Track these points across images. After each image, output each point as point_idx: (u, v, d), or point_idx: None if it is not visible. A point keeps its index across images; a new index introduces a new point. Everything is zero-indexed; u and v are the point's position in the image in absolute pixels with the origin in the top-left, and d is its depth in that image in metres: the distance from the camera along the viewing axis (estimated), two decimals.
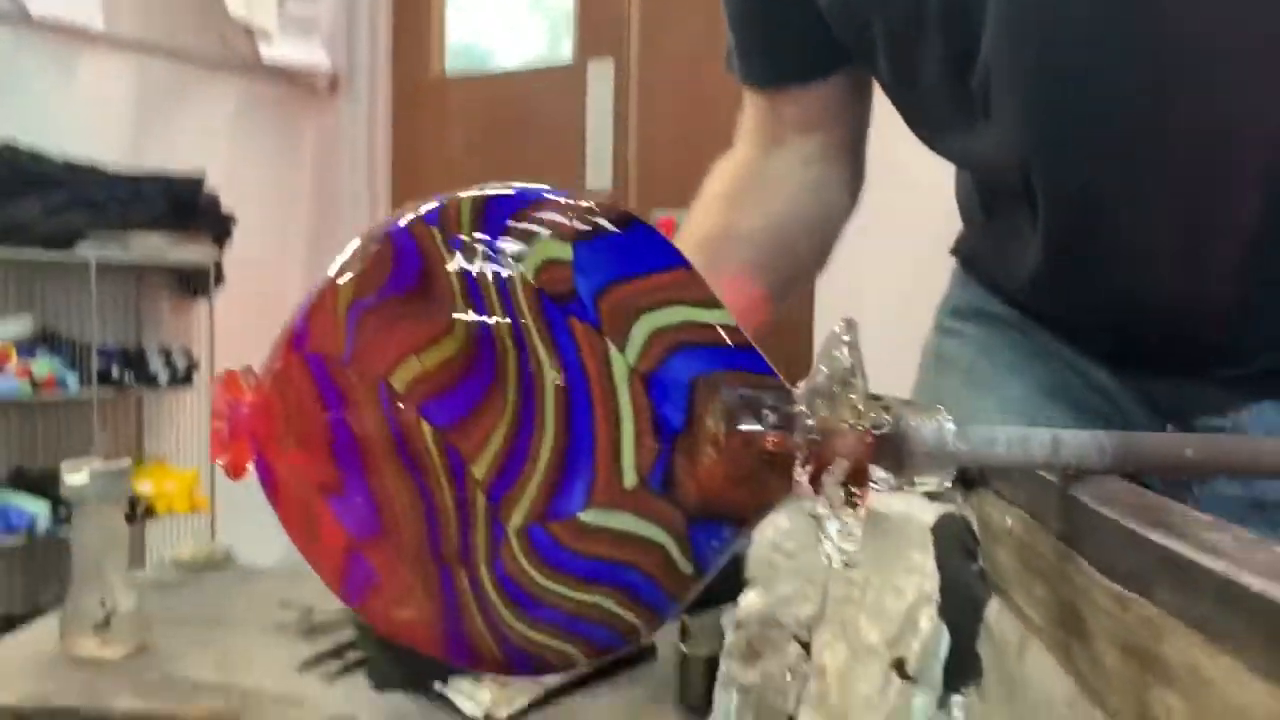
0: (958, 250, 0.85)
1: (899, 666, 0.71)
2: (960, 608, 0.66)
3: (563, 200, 0.45)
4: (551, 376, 0.42)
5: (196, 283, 2.60)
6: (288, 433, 0.46)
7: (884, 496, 0.75)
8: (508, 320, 0.43)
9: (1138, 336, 0.68)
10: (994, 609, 0.65)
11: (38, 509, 2.19)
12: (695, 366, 0.41)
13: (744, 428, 0.43)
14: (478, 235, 0.44)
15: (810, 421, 0.44)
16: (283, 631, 1.06)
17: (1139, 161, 0.60)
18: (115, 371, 2.36)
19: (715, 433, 0.41)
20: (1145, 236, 0.63)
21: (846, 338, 0.62)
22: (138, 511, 2.38)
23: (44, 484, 2.36)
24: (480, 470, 0.42)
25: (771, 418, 0.44)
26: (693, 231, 0.78)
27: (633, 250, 0.43)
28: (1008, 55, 0.62)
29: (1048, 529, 0.55)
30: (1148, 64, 0.57)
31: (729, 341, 0.42)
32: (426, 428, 0.43)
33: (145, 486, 2.42)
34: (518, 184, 0.46)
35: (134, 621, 1.00)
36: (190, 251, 2.55)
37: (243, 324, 2.74)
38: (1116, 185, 0.62)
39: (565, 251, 0.42)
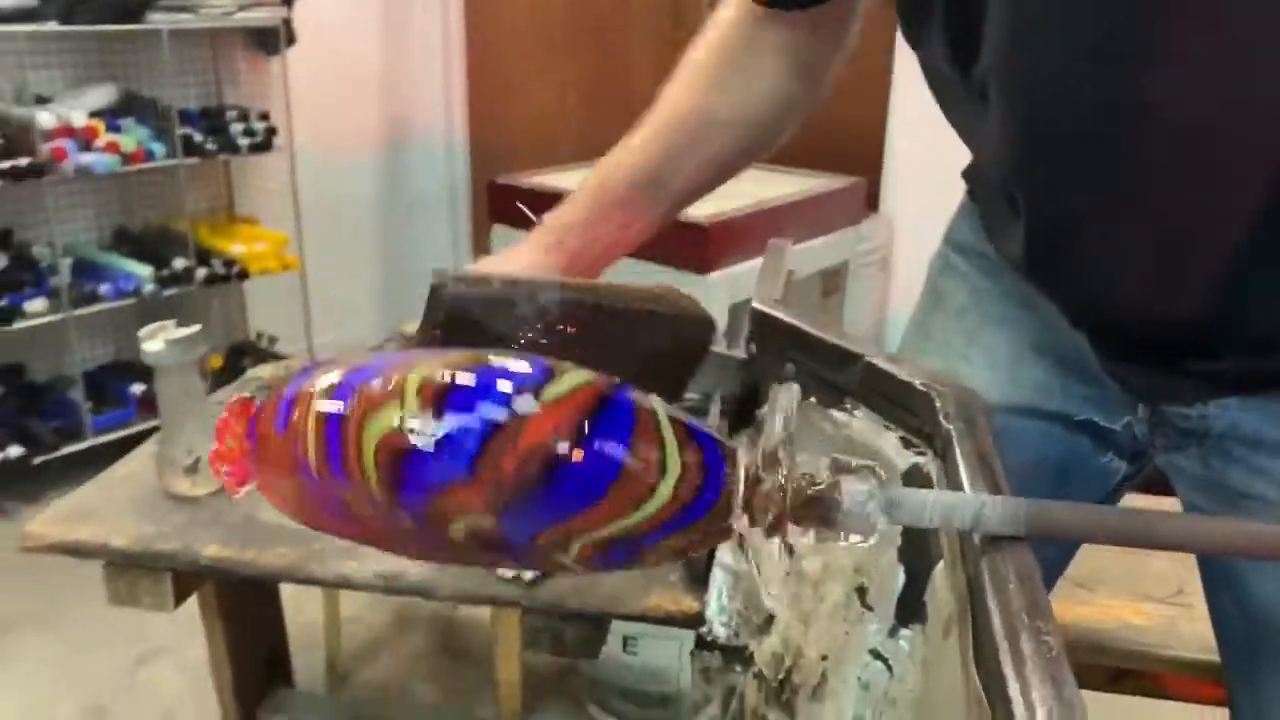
0: (967, 177, 0.84)
1: (860, 592, 0.80)
2: (916, 556, 0.73)
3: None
4: None
5: (269, 43, 2.59)
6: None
7: (865, 430, 0.81)
8: None
9: (1113, 329, 0.69)
10: (940, 570, 0.71)
11: (143, 272, 2.36)
12: (634, 551, 0.46)
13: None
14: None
15: (741, 491, 0.49)
16: None
17: (1116, 193, 0.60)
18: (199, 137, 2.43)
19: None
20: (1118, 259, 0.63)
21: (785, 405, 0.66)
22: (233, 272, 2.54)
23: (144, 244, 2.53)
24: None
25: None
26: (672, 105, 0.81)
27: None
28: (1005, 64, 0.60)
29: (965, 564, 0.60)
30: (1135, 104, 0.56)
31: (660, 521, 0.45)
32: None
33: (238, 248, 2.57)
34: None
35: None
36: (259, 11, 2.53)
37: (318, 83, 2.75)
38: (1092, 212, 0.62)
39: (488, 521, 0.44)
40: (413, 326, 0.74)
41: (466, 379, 0.45)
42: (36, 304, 2.17)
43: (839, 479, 0.51)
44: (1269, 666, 0.72)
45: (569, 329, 0.73)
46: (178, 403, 1.11)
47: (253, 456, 0.53)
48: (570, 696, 1.67)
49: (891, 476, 0.75)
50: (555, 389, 0.44)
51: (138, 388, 2.40)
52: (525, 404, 0.44)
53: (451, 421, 0.43)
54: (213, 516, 1.09)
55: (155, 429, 2.52)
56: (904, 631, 0.74)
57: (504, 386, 0.44)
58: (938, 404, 0.72)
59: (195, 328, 1.11)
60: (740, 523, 0.50)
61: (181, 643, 1.78)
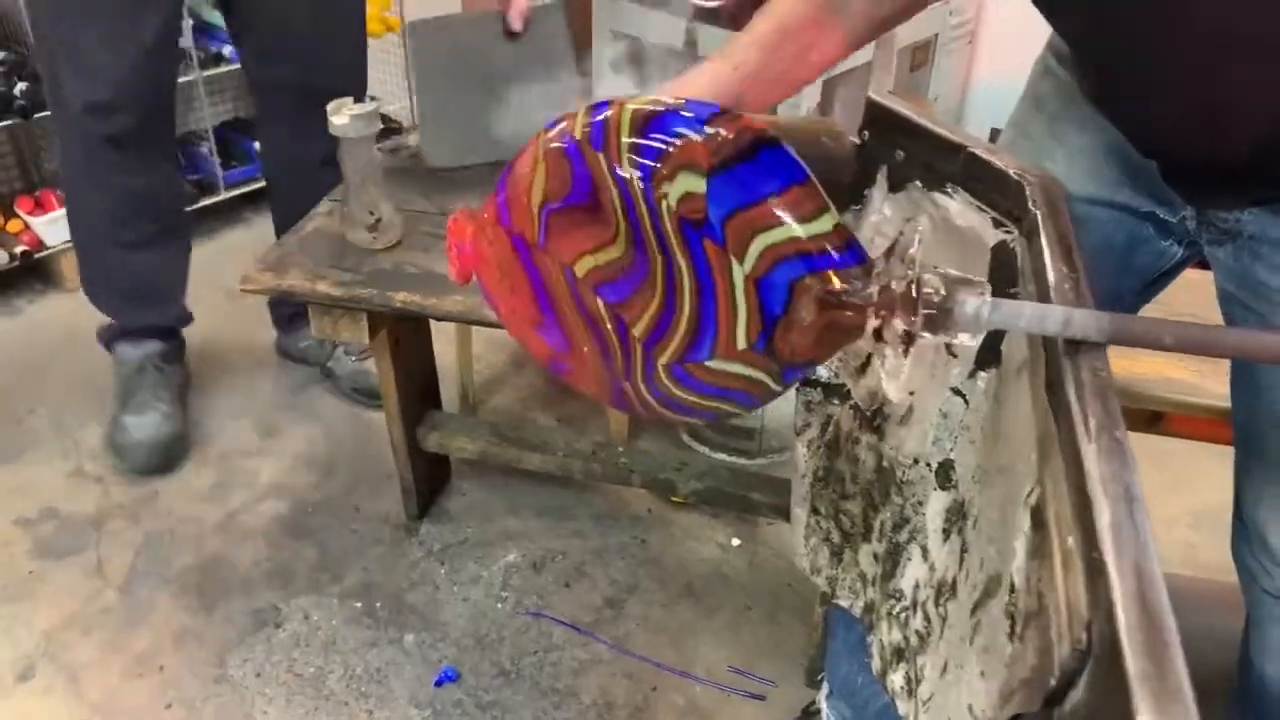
0: None
1: (948, 345, 0.99)
2: None
3: (703, 134, 0.63)
4: (689, 281, 0.66)
5: None
6: (503, 280, 0.74)
7: (962, 210, 0.98)
8: (657, 238, 0.66)
9: (1169, 161, 0.84)
10: None
11: None
12: (794, 272, 0.63)
13: (827, 311, 0.64)
14: (634, 171, 0.65)
15: (875, 296, 0.65)
16: None
17: (1160, 65, 0.73)
18: None
19: (803, 317, 0.65)
20: (1174, 123, 0.76)
21: (921, 227, 0.83)
22: None
23: None
24: (638, 330, 0.69)
25: (849, 294, 0.66)
26: None
27: (758, 175, 0.63)
28: None
29: (1046, 363, 0.75)
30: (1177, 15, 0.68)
31: (824, 247, 0.62)
32: (601, 302, 0.69)
33: None
34: (665, 106, 0.65)
35: (393, 222, 1.34)
36: None
37: None
38: (1148, 89, 0.75)
39: (700, 186, 0.63)
40: None
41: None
42: None
43: (954, 289, 0.66)
44: (1268, 427, 0.91)
45: None
46: (360, 169, 1.29)
47: (480, 250, 0.74)
48: (667, 427, 1.93)
49: (981, 251, 0.92)
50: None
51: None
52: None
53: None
54: (394, 267, 1.30)
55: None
56: (981, 373, 0.94)
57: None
58: (1027, 191, 0.89)
59: (372, 104, 1.28)
60: (871, 323, 0.67)
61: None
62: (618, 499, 1.76)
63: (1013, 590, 0.79)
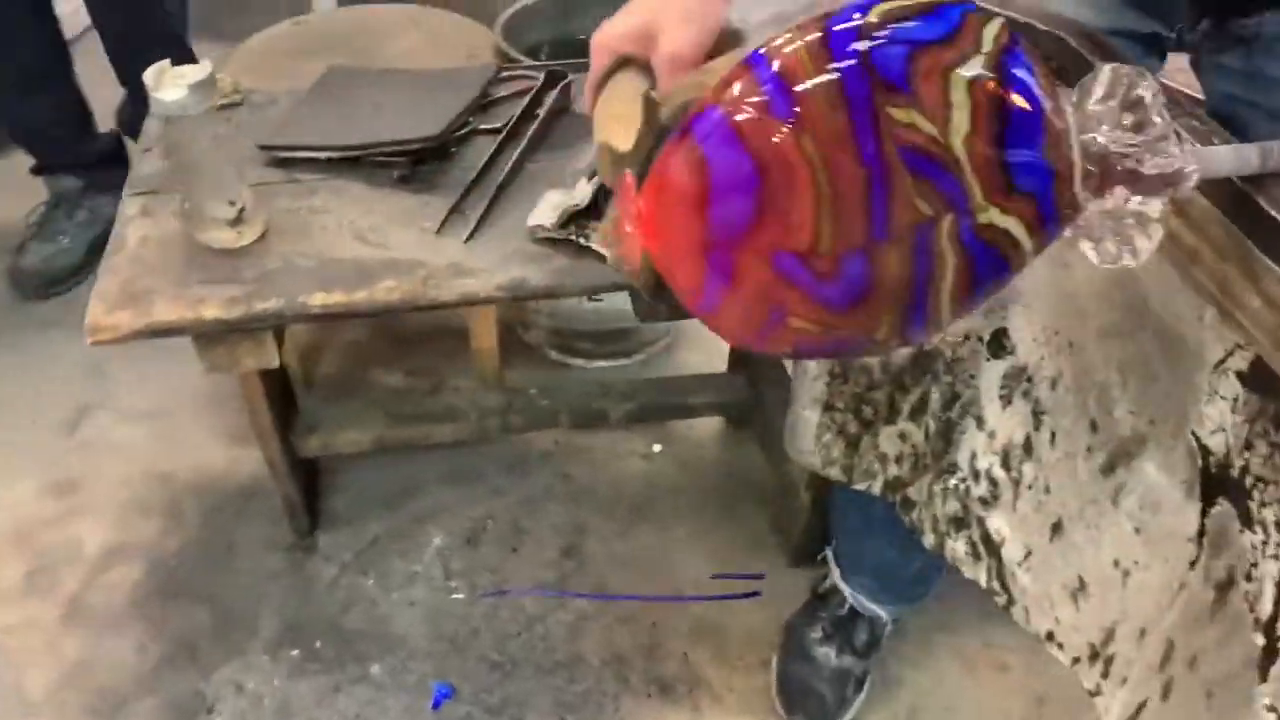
0: None
1: None
2: None
3: None
4: None
5: None
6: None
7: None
8: None
9: None
10: None
11: None
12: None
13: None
14: None
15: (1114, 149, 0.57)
16: (373, 181, 1.13)
17: None
18: None
19: None
20: None
21: (1147, 77, 0.74)
22: None
23: None
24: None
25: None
26: None
27: None
28: None
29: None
30: None
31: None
32: None
33: None
34: None
35: (256, 210, 1.06)
36: None
37: None
38: None
39: None
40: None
41: None
42: None
43: (1148, 143, 0.60)
44: None
45: None
46: (210, 152, 1.00)
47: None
48: (534, 351, 1.77)
49: None
50: None
51: None
52: None
53: None
54: (284, 263, 1.05)
55: None
56: None
57: None
58: (1073, 44, 0.84)
59: (206, 65, 0.98)
60: (1082, 193, 0.58)
61: (114, 396, 1.68)
62: (520, 442, 1.61)
63: (1207, 454, 0.79)
